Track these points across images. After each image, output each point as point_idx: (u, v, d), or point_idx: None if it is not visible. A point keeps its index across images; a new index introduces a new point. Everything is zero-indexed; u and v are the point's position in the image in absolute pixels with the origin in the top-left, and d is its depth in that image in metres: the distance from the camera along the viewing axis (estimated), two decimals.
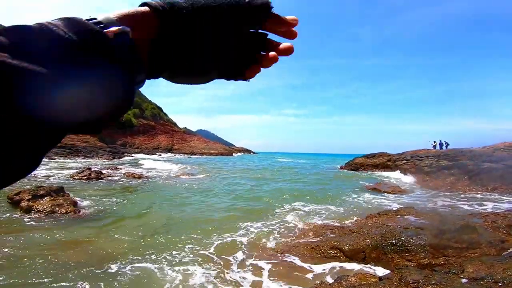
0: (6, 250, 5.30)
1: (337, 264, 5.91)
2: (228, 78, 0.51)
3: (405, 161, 23.47)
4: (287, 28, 0.48)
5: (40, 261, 4.90)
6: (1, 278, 4.27)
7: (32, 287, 4.15)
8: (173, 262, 5.23)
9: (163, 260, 5.31)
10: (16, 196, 8.97)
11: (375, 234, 7.15)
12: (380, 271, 5.29)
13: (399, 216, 8.58)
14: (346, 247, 6.61)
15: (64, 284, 4.23)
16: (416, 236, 5.99)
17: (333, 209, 10.45)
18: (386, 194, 14.22)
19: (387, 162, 26.47)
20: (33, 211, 8.24)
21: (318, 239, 7.17)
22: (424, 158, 21.79)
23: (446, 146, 24.94)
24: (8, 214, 7.86)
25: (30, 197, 8.90)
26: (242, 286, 4.63)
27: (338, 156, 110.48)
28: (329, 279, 5.15)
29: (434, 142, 26.44)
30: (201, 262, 5.28)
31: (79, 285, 4.19)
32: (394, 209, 9.68)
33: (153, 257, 5.41)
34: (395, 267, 5.00)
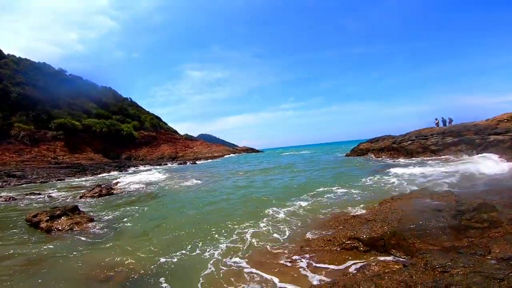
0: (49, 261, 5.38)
1: (357, 254, 5.91)
2: None
3: (410, 142, 23.32)
4: None
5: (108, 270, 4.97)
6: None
7: None
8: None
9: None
10: (34, 218, 9.15)
11: (391, 220, 7.13)
12: (403, 258, 5.30)
13: (413, 199, 8.51)
14: (364, 236, 6.60)
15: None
16: (435, 219, 5.95)
17: (347, 197, 10.47)
18: (398, 176, 14.14)
19: (392, 144, 26.30)
20: (53, 231, 8.38)
21: (334, 230, 7.17)
22: (429, 136, 21.63)
23: (450, 122, 24.65)
24: (33, 237, 7.94)
25: (48, 217, 9.07)
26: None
27: (341, 144, 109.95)
28: (352, 270, 5.17)
29: (436, 119, 26.14)
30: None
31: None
32: (407, 192, 9.60)
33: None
34: (418, 252, 4.99)
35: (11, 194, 15.87)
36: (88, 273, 5.34)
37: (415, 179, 13.04)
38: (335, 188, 12.51)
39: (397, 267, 4.88)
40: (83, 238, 7.66)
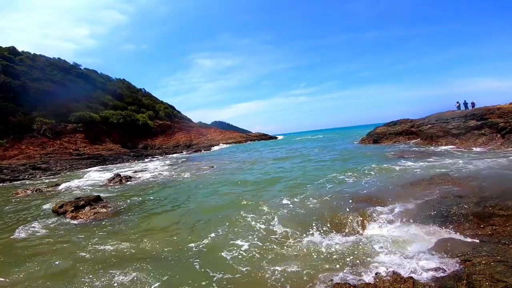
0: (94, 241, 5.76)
1: None
2: None
3: (430, 125, 22.45)
4: None
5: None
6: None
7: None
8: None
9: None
10: (60, 209, 9.69)
11: (410, 206, 7.01)
12: (425, 244, 5.21)
13: (433, 185, 8.30)
14: (382, 221, 6.54)
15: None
16: (457, 206, 5.79)
17: (362, 183, 10.32)
18: (416, 161, 13.76)
19: (411, 128, 25.46)
20: (78, 220, 8.84)
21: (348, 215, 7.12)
22: (450, 120, 20.72)
23: (473, 106, 23.47)
24: (61, 227, 8.42)
25: (73, 208, 9.59)
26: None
27: (356, 128, 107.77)
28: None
29: (458, 102, 24.95)
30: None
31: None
32: (427, 177, 9.33)
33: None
34: (439, 239, 4.89)
35: (38, 186, 16.77)
36: (118, 256, 5.64)
37: (434, 164, 12.65)
38: (342, 176, 12.35)
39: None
40: (108, 226, 8.05)
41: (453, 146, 18.08)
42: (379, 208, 7.26)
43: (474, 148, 16.46)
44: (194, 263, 5.25)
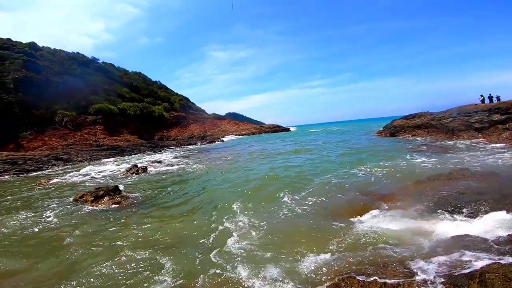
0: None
1: None
2: None
3: (451, 119, 21.52)
4: None
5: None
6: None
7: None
8: None
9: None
10: (81, 198, 10.20)
11: (426, 201, 6.83)
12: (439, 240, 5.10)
13: (453, 180, 8.02)
14: (396, 214, 6.43)
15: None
16: (475, 202, 5.60)
17: (380, 178, 10.14)
18: (434, 155, 13.33)
19: (431, 121, 24.51)
20: (97, 209, 9.26)
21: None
22: (473, 114, 19.75)
23: (498, 100, 22.20)
24: (82, 216, 8.87)
25: (93, 198, 10.06)
26: None
27: (372, 121, 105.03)
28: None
29: (482, 96, 23.69)
30: None
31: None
32: (446, 173, 9.02)
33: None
34: (453, 236, 4.76)
35: (60, 176, 17.65)
36: (132, 242, 5.90)
37: (454, 159, 12.17)
38: (357, 169, 12.15)
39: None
40: (125, 215, 8.41)
41: (475, 141, 17.30)
42: (393, 203, 7.14)
43: (497, 143, 15.69)
44: (204, 252, 5.40)
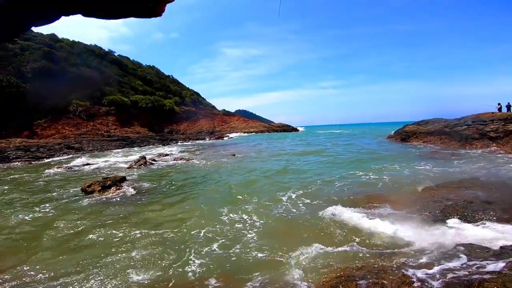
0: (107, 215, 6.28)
1: None
2: (139, 16, 0.51)
3: (465, 127, 20.89)
4: None
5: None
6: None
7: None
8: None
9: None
10: (89, 188, 10.28)
11: (433, 208, 6.70)
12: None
13: (462, 188, 7.84)
14: (401, 220, 6.33)
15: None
16: (483, 211, 5.46)
17: (387, 183, 10.01)
18: (444, 163, 13.03)
19: (444, 128, 23.87)
20: (104, 199, 9.45)
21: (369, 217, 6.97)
22: (488, 122, 19.13)
23: None
24: (89, 206, 9.12)
25: (100, 188, 10.22)
26: None
27: (383, 125, 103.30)
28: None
29: (499, 104, 22.93)
30: None
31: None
32: (456, 181, 8.81)
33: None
34: (457, 244, 4.66)
35: (70, 164, 18.09)
36: (132, 234, 6.04)
37: (465, 168, 11.86)
38: (361, 173, 12.01)
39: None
40: (130, 205, 8.58)
41: (488, 150, 16.80)
42: (398, 208, 7.03)
43: (511, 154, 15.17)
44: (196, 246, 5.47)
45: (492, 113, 21.23)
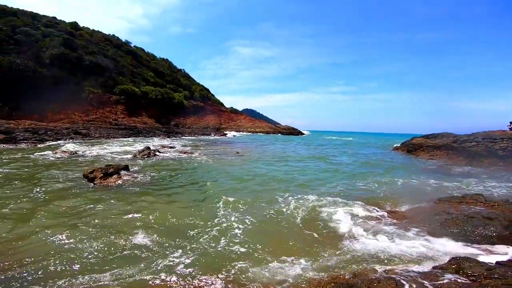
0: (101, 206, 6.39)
1: None
2: None
3: (474, 143, 20.55)
4: None
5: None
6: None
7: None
8: None
9: None
10: (91, 174, 10.23)
11: (433, 221, 6.63)
12: (436, 260, 4.94)
13: (464, 204, 7.74)
14: (400, 233, 6.27)
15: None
16: (483, 227, 5.38)
17: (388, 193, 9.93)
18: (448, 178, 12.85)
19: (452, 143, 23.51)
20: (105, 186, 9.43)
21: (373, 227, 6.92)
22: (498, 140, 18.79)
23: None
24: (89, 191, 9.26)
25: (102, 174, 10.18)
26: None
27: (390, 136, 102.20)
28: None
29: (511, 123, 22.50)
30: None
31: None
32: (458, 196, 8.70)
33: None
34: (453, 257, 4.61)
35: (74, 149, 18.28)
36: (129, 222, 6.12)
37: (469, 184, 11.68)
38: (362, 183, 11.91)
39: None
40: (130, 194, 8.68)
41: (495, 168, 16.49)
42: (397, 220, 6.98)
43: None
44: (187, 239, 5.50)
45: (503, 131, 20.85)
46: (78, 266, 4.29)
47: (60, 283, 3.86)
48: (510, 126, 22.43)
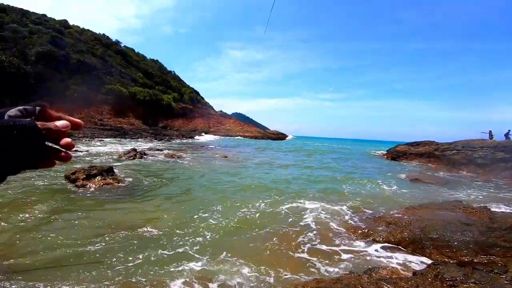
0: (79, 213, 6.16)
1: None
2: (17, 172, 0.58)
3: (455, 151, 21.34)
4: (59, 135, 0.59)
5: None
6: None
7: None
8: None
9: None
10: (73, 175, 9.81)
11: (414, 227, 6.79)
12: (416, 266, 5.06)
13: (443, 210, 7.98)
14: (380, 239, 6.39)
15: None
16: (461, 232, 5.54)
17: (369, 200, 10.08)
18: (429, 185, 13.26)
19: (434, 151, 24.35)
20: (86, 188, 9.11)
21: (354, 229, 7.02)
22: (477, 149, 19.59)
23: (505, 137, 21.91)
24: (68, 193, 8.94)
25: (85, 176, 9.77)
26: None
27: (376, 143, 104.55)
28: (360, 270, 5.07)
29: (490, 131, 23.26)
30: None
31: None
32: (437, 202, 8.97)
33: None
34: (433, 262, 4.74)
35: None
36: (113, 225, 5.94)
37: (447, 191, 12.10)
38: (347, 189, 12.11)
39: (407, 274, 4.70)
40: (111, 197, 8.44)
41: (474, 175, 17.15)
42: (378, 226, 7.09)
43: (495, 181, 15.52)
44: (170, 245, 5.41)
45: (483, 140, 21.69)
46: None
47: None
48: (489, 134, 23.21)
